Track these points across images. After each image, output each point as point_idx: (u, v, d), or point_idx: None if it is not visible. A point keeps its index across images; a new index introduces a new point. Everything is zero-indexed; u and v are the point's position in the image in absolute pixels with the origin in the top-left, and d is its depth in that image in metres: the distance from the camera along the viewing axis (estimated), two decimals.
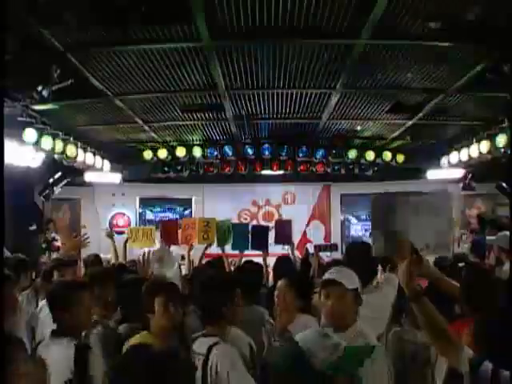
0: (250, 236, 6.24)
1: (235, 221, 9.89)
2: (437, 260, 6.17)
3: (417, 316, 2.13)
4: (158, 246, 7.55)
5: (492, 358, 2.02)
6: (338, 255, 7.08)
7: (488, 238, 5.94)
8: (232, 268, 5.79)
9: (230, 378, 2.41)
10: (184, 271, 5.64)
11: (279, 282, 3.69)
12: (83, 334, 3.06)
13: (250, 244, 6.19)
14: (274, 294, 3.64)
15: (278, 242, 6.49)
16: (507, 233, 5.42)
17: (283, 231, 6.51)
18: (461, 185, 9.66)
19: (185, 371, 1.63)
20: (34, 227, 8.46)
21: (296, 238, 9.70)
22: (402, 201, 2.00)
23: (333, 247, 6.80)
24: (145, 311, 3.10)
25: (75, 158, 7.65)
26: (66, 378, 2.58)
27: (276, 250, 6.66)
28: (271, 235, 6.40)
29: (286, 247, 6.55)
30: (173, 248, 6.23)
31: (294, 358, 1.59)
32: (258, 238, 6.22)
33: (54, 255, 6.66)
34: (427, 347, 2.90)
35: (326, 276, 2.80)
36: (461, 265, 5.25)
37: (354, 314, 2.71)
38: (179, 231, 6.45)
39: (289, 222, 6.80)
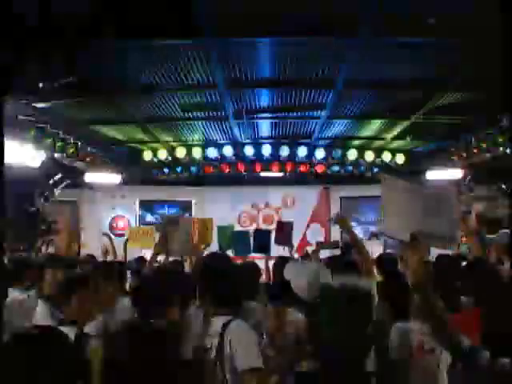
0: (251, 240, 6.22)
1: (235, 224, 9.86)
2: (437, 259, 6.20)
3: (420, 306, 2.13)
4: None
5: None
6: (338, 252, 7.05)
7: (488, 237, 5.92)
8: None
9: (238, 351, 2.44)
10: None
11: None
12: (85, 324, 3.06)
13: (251, 247, 6.17)
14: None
15: (277, 242, 6.46)
16: (508, 231, 5.42)
17: (284, 232, 6.46)
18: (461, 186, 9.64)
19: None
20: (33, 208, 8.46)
21: (295, 241, 9.68)
22: (414, 189, 1.98)
23: (334, 244, 6.76)
24: None
25: (75, 157, 7.64)
26: None
27: (276, 253, 6.64)
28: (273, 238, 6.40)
29: (286, 249, 6.52)
30: None
31: None
32: (260, 241, 6.18)
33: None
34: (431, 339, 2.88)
35: None
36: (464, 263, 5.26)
37: None
38: None
39: (290, 224, 6.76)
